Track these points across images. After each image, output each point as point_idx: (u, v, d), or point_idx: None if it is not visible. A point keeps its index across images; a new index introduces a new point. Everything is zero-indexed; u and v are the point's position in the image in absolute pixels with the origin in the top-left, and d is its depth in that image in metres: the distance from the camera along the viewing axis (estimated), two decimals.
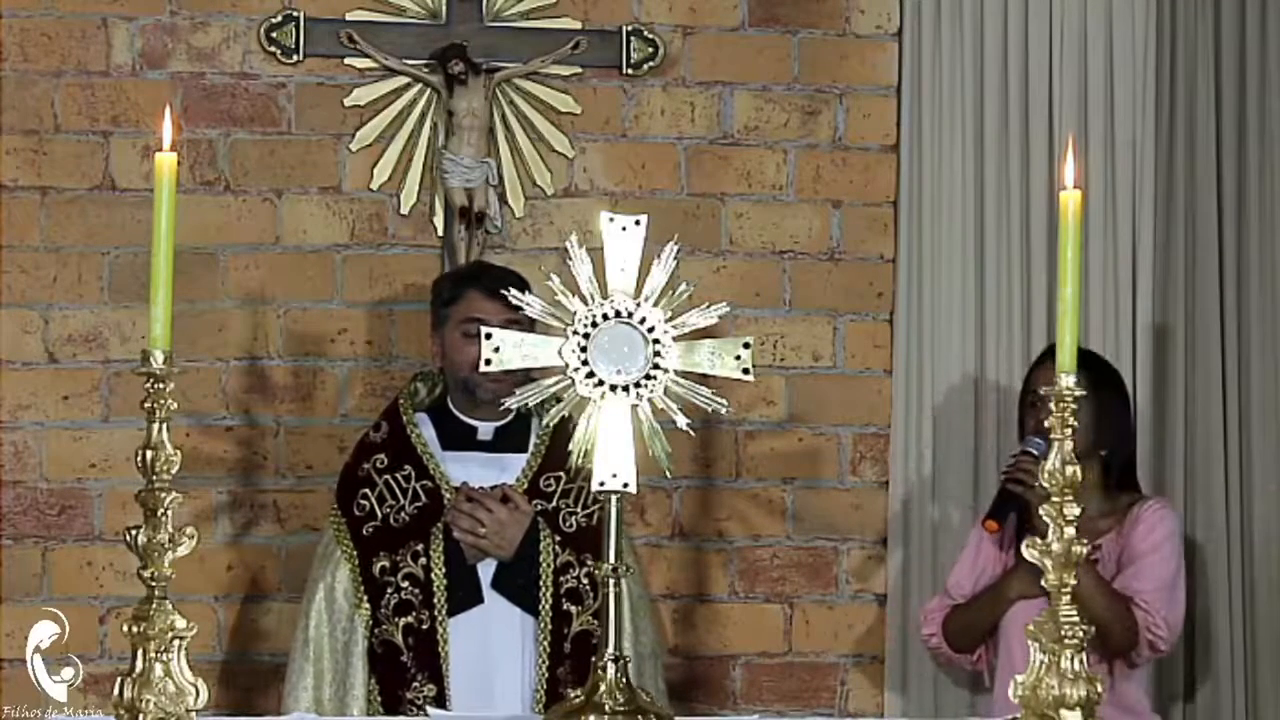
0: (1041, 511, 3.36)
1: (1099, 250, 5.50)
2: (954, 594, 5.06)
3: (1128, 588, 4.84)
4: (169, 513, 3.15)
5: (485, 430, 4.84)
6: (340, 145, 5.39)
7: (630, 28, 5.45)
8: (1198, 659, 5.47)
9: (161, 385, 3.16)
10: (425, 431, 4.84)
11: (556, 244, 5.34)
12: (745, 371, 3.40)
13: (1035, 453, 4.81)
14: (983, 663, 5.07)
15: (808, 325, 5.54)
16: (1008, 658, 4.89)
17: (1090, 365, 4.97)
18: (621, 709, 3.30)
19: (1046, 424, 3.37)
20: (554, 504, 4.78)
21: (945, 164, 5.51)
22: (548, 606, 4.70)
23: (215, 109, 5.35)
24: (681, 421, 3.36)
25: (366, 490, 4.77)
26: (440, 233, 5.37)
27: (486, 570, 4.72)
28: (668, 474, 3.36)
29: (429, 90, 5.37)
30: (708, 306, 3.40)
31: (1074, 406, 3.32)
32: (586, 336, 3.33)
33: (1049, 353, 4.99)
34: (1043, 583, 3.35)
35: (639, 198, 5.44)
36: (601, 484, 3.31)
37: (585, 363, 3.33)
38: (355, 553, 4.72)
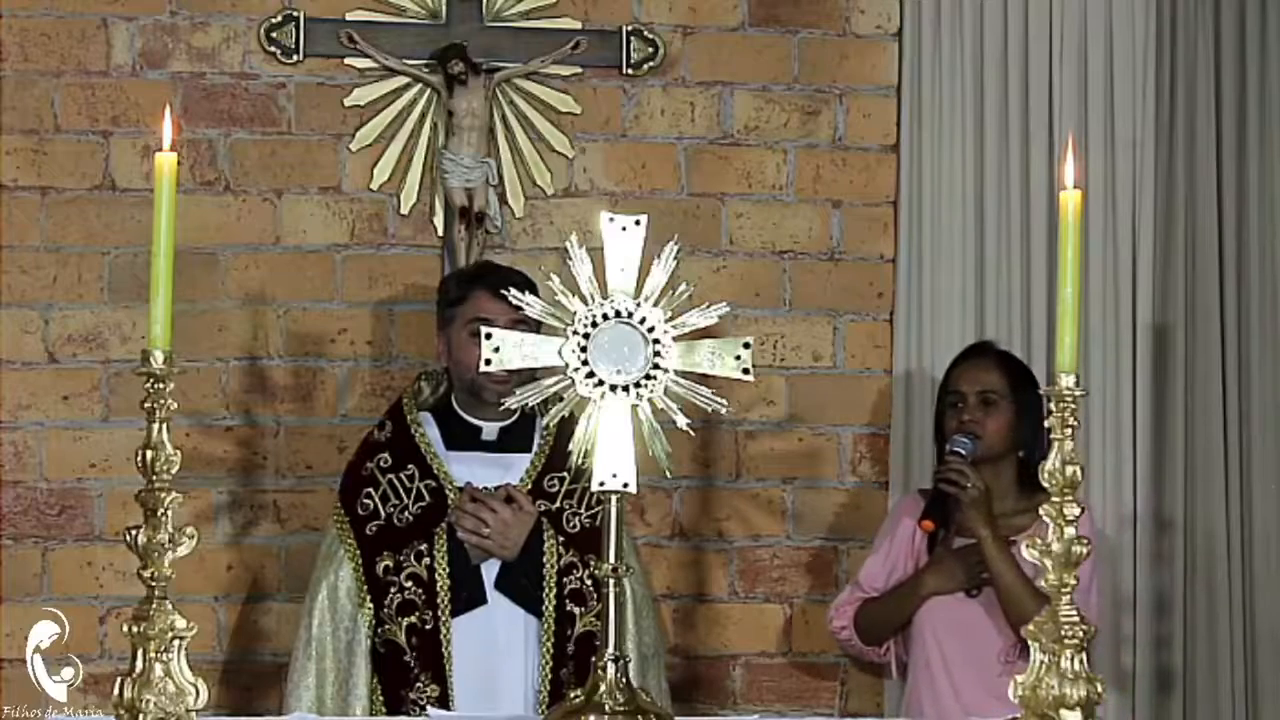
0: (1041, 512, 3.37)
1: (1099, 250, 5.50)
2: (865, 587, 5.10)
3: (1044, 588, 4.84)
4: (169, 513, 3.14)
5: (490, 430, 4.84)
6: (340, 145, 5.39)
7: (630, 28, 5.45)
8: (1198, 658, 5.47)
9: (161, 385, 3.15)
10: (429, 431, 4.83)
11: (556, 244, 5.34)
12: (745, 371, 3.40)
13: (963, 452, 4.87)
14: (889, 654, 5.10)
15: (808, 325, 5.53)
16: (922, 653, 4.97)
17: (1007, 367, 5.03)
18: (621, 709, 3.30)
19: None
20: (558, 505, 4.78)
21: (945, 164, 5.51)
22: (551, 607, 4.70)
23: (215, 109, 5.35)
24: (681, 421, 3.36)
25: (370, 489, 4.77)
26: (440, 233, 5.37)
27: (490, 570, 4.72)
28: (668, 474, 3.36)
29: (429, 90, 5.37)
30: (708, 306, 3.39)
31: (1074, 406, 3.31)
32: (586, 336, 3.33)
33: (968, 352, 5.09)
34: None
35: (639, 198, 5.44)
36: (601, 484, 3.31)
37: (585, 363, 3.32)
38: (358, 552, 4.72)
